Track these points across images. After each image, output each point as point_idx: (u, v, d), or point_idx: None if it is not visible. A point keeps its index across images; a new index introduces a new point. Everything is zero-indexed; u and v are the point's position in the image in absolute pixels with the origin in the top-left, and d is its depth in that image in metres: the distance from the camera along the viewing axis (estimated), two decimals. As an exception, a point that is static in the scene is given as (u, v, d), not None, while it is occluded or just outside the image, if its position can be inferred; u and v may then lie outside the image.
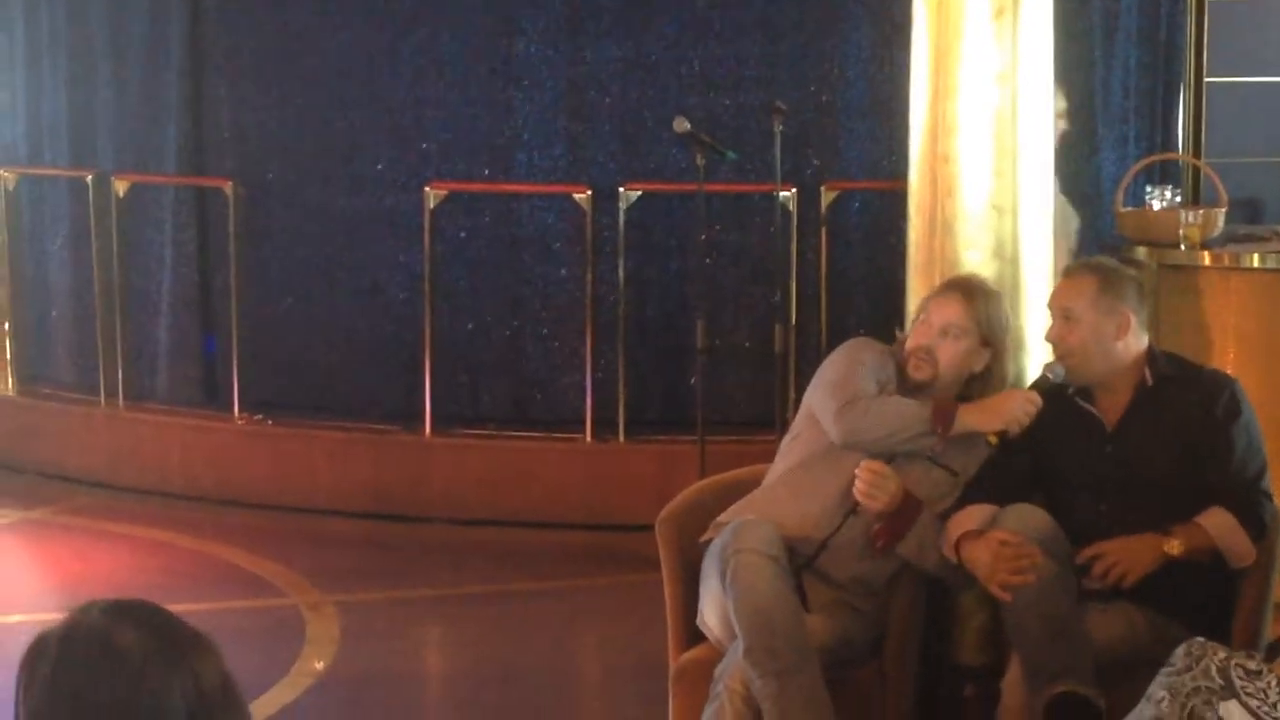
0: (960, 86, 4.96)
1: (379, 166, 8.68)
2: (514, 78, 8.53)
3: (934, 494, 4.65)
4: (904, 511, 4.57)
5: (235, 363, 8.73)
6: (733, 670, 4.42)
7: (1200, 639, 2.99)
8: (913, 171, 5.06)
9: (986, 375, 4.76)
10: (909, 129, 5.11)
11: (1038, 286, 4.98)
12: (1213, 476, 4.49)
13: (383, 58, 8.65)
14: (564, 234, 8.46)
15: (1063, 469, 4.62)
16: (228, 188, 8.75)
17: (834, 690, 4.41)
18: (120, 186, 9.01)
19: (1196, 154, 8.46)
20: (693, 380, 7.80)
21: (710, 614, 4.61)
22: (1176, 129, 8.60)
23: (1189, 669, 2.89)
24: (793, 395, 7.52)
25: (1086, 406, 4.64)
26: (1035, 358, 4.91)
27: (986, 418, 4.64)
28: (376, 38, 8.66)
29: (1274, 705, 2.82)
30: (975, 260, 4.93)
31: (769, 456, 4.95)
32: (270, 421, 8.71)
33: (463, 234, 8.55)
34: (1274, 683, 2.85)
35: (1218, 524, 4.40)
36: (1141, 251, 6.36)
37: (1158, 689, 2.90)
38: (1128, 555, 4.39)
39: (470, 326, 8.57)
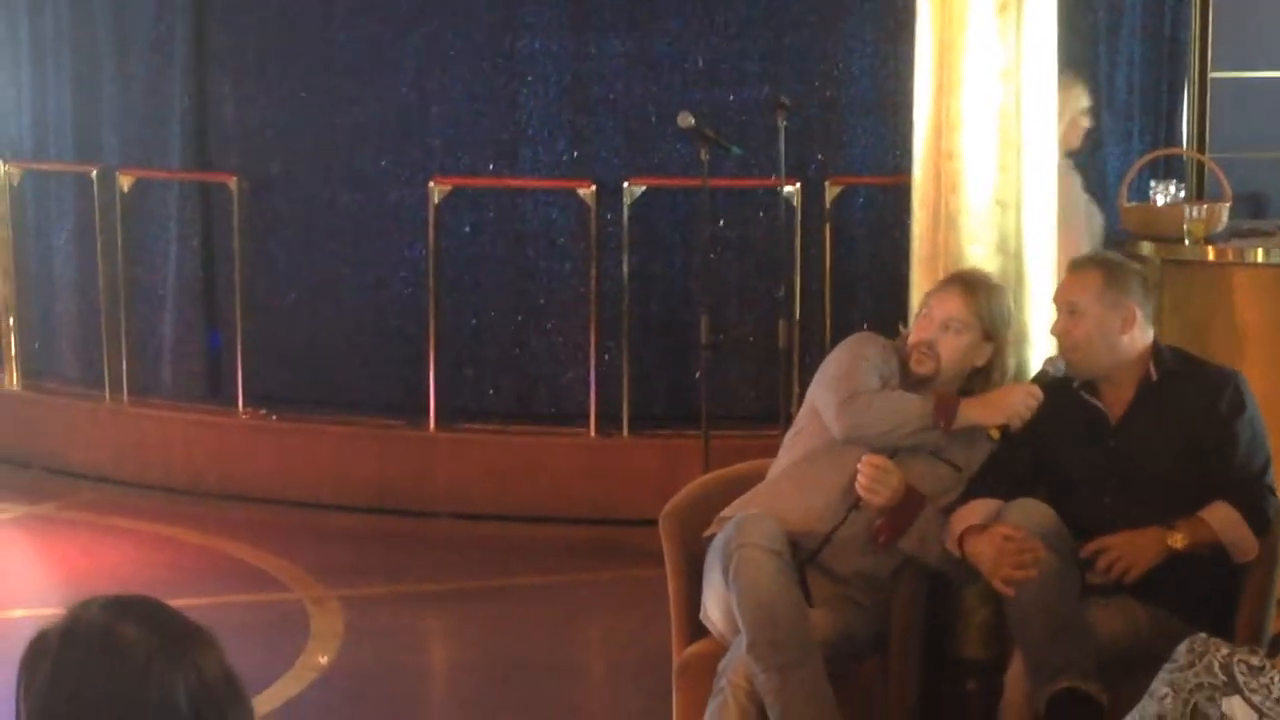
0: (964, 82, 4.95)
1: (383, 162, 8.68)
2: (518, 73, 8.53)
3: (937, 489, 4.65)
4: (906, 506, 4.57)
5: (240, 357, 8.74)
6: (736, 665, 4.43)
7: (1203, 635, 2.98)
8: (916, 167, 5.06)
9: (989, 369, 4.76)
10: (913, 124, 5.11)
11: (1041, 281, 4.97)
12: (1217, 471, 4.49)
13: (387, 53, 8.65)
14: (568, 229, 8.46)
15: (1066, 463, 4.62)
16: (232, 183, 8.75)
17: (837, 684, 4.42)
18: (125, 181, 9.01)
19: (1201, 149, 8.46)
20: (697, 375, 7.80)
21: (714, 609, 4.61)
22: (1181, 124, 8.59)
23: (1192, 665, 2.89)
24: (797, 390, 7.52)
25: (1091, 400, 4.64)
26: (1039, 352, 4.91)
27: (988, 412, 4.64)
28: (381, 33, 8.66)
29: (1277, 701, 2.82)
30: (979, 255, 4.93)
31: (773, 451, 4.95)
32: (275, 416, 8.71)
33: (467, 229, 8.55)
34: (1277, 678, 2.85)
35: (1221, 518, 4.40)
36: (1147, 247, 6.36)
37: (1160, 685, 2.90)
38: (1131, 550, 4.39)
39: (475, 321, 8.57)
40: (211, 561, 7.56)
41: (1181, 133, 8.57)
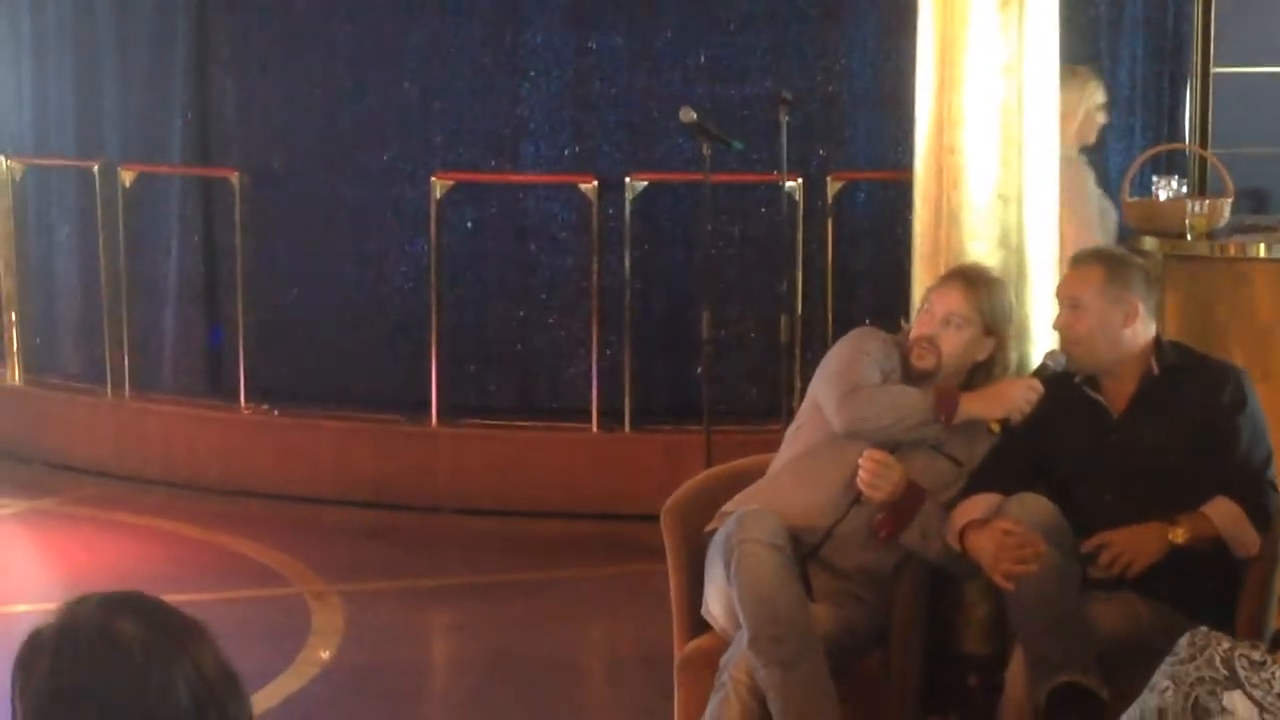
0: (966, 77, 4.95)
1: (385, 156, 8.69)
2: (520, 68, 8.53)
3: (938, 483, 4.65)
4: (907, 501, 4.57)
5: (241, 352, 8.74)
6: (738, 660, 4.43)
7: (1204, 629, 2.98)
8: (918, 162, 5.06)
9: (990, 364, 4.76)
10: (914, 120, 5.11)
11: (1043, 276, 4.97)
12: (1218, 466, 4.49)
13: (389, 48, 8.65)
14: (570, 224, 8.46)
15: (1068, 458, 4.62)
16: (234, 178, 8.76)
17: (838, 679, 4.42)
18: (126, 177, 9.01)
19: (1203, 144, 8.46)
20: (699, 370, 7.79)
21: (715, 604, 4.61)
22: (1183, 119, 8.59)
23: (1193, 659, 2.88)
24: (798, 385, 7.52)
25: (1093, 395, 4.64)
26: (1040, 347, 4.90)
27: (989, 405, 4.65)
28: (383, 27, 8.66)
29: (1278, 696, 2.82)
30: (980, 250, 4.93)
31: (774, 446, 4.95)
32: (276, 411, 8.72)
33: (469, 224, 8.56)
34: (1278, 673, 2.85)
35: (1223, 514, 4.40)
36: (1151, 243, 6.36)
37: (1161, 678, 2.90)
38: (1133, 545, 4.39)
39: (476, 316, 8.57)
40: (213, 556, 7.56)
41: (1184, 128, 8.57)
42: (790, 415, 5.09)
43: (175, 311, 9.12)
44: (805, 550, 4.59)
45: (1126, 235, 6.51)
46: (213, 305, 9.08)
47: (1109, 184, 7.80)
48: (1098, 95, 6.64)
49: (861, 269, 8.35)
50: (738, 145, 7.52)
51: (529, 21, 8.49)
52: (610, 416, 8.25)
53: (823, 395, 4.74)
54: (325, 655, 6.24)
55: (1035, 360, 4.87)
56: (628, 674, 6.26)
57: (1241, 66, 8.67)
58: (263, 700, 5.58)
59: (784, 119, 7.31)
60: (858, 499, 4.62)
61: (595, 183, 8.25)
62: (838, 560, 4.64)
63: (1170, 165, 7.75)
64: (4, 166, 9.61)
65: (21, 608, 6.65)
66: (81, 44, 9.43)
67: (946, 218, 4.97)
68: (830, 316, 8.18)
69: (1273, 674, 2.84)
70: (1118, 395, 4.63)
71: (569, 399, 8.43)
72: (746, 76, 8.36)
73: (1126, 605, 4.42)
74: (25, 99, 9.79)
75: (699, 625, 4.74)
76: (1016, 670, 4.44)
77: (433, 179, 8.36)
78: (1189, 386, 4.59)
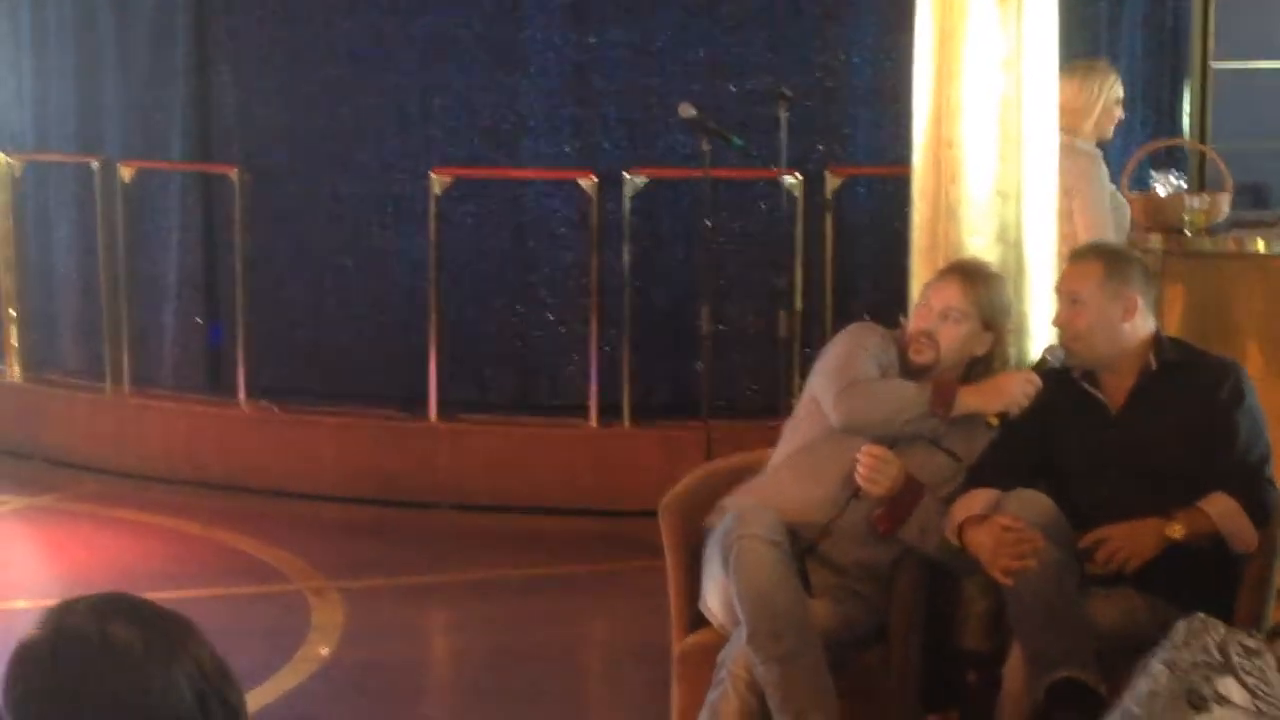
0: (964, 72, 4.94)
1: (384, 153, 8.69)
2: (520, 64, 8.53)
3: (936, 479, 4.64)
4: (906, 496, 4.57)
5: (241, 349, 8.74)
6: (736, 655, 4.42)
7: (1201, 615, 2.99)
8: (916, 157, 5.05)
9: (989, 359, 4.76)
10: (913, 114, 5.10)
11: (1041, 271, 4.97)
12: (1216, 462, 4.49)
13: (389, 44, 8.65)
14: (570, 220, 8.46)
15: (1066, 453, 4.62)
16: (233, 174, 8.76)
17: (837, 675, 4.41)
18: (126, 173, 9.01)
19: (1202, 139, 8.47)
20: (698, 366, 7.79)
21: (713, 599, 4.61)
22: (1182, 114, 8.59)
23: (1188, 644, 2.89)
24: (798, 380, 7.52)
25: (1091, 390, 4.64)
26: (1039, 342, 4.90)
27: (987, 399, 4.64)
28: (383, 24, 8.66)
29: (1271, 684, 2.82)
30: (979, 245, 4.92)
31: (774, 441, 4.95)
32: (276, 407, 8.72)
33: (469, 220, 8.56)
34: (1272, 661, 2.86)
35: (1221, 509, 4.39)
36: (1155, 239, 6.35)
37: (1156, 663, 2.91)
38: (1131, 540, 4.39)
39: (476, 312, 8.57)
40: (213, 553, 7.56)
41: (1183, 123, 8.57)
42: (789, 411, 5.08)
43: (175, 308, 9.13)
44: (804, 545, 4.59)
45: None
46: (212, 301, 9.08)
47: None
48: (1116, 89, 6.63)
49: (861, 264, 8.36)
50: (737, 141, 7.52)
51: (528, 17, 8.50)
52: (609, 412, 8.25)
53: (820, 390, 4.74)
54: (325, 652, 6.24)
55: (1034, 356, 4.87)
56: (626, 669, 6.26)
57: (1240, 61, 8.68)
58: (262, 696, 5.58)
59: (783, 114, 7.31)
60: (856, 494, 4.62)
61: (595, 179, 8.25)
62: (836, 555, 4.64)
63: (1169, 160, 7.75)
64: (4, 162, 9.61)
65: (21, 604, 6.65)
66: (82, 40, 9.44)
67: (945, 213, 4.97)
68: (830, 312, 8.18)
69: (1267, 661, 2.85)
70: (1116, 391, 4.62)
71: (568, 395, 8.43)
72: (746, 72, 8.37)
73: (1125, 601, 4.42)
74: (25, 95, 9.79)
75: (697, 620, 4.74)
76: (1015, 666, 4.44)
77: (432, 175, 8.36)
78: (1187, 382, 4.59)
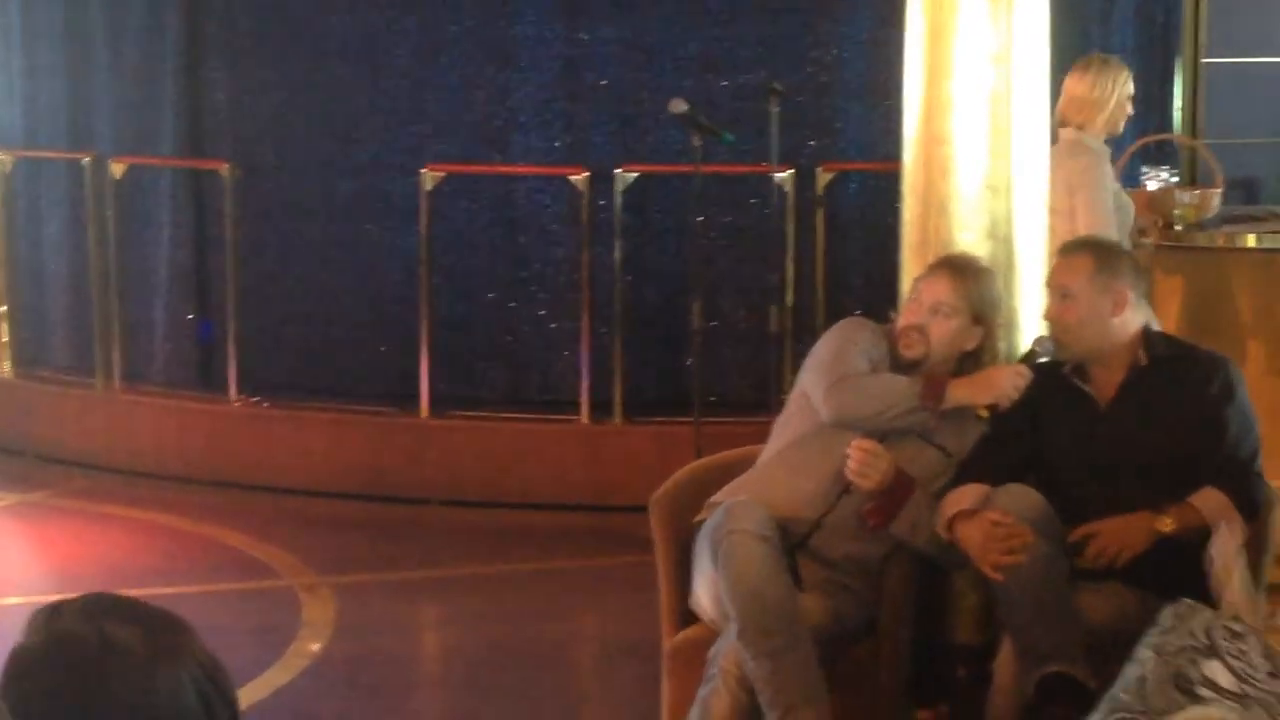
0: (955, 67, 4.94)
1: (375, 149, 8.68)
2: (511, 60, 8.53)
3: (927, 473, 4.64)
4: (896, 490, 4.57)
5: (232, 345, 8.73)
6: (727, 651, 4.42)
7: (1188, 600, 3.00)
8: (907, 152, 5.05)
9: (979, 353, 4.75)
10: (903, 110, 5.10)
11: (1031, 266, 4.97)
12: (1206, 456, 4.49)
13: (380, 40, 8.64)
14: (561, 216, 8.46)
15: (1056, 448, 4.62)
16: (224, 170, 8.74)
17: (827, 670, 4.41)
18: (117, 169, 9.00)
19: (1193, 134, 8.47)
20: (689, 361, 7.79)
21: (703, 595, 4.60)
22: (1173, 109, 8.59)
23: (1175, 628, 2.90)
24: (789, 376, 7.51)
25: (1080, 385, 4.64)
26: (1029, 337, 4.90)
27: (976, 391, 4.65)
28: (374, 20, 8.65)
29: (1255, 667, 2.83)
30: (969, 240, 4.92)
31: (765, 437, 4.95)
32: (267, 403, 8.71)
33: (460, 216, 8.55)
34: (1257, 645, 2.87)
35: (1211, 504, 4.40)
36: (1154, 234, 6.35)
37: (1144, 649, 2.93)
38: (1121, 535, 4.39)
39: (467, 308, 8.57)
40: (204, 549, 7.56)
41: (1174, 118, 8.57)
42: (781, 406, 5.08)
43: (166, 304, 9.12)
44: (794, 540, 4.59)
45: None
46: (203, 298, 9.07)
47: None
48: (1129, 85, 6.62)
49: (852, 260, 8.35)
50: (728, 137, 7.53)
51: (519, 13, 8.49)
52: (601, 408, 8.25)
53: (811, 385, 4.74)
54: (316, 647, 6.24)
55: (1022, 350, 4.87)
56: (617, 665, 6.26)
57: (1231, 57, 8.68)
58: (253, 693, 5.58)
59: (774, 110, 7.31)
60: (847, 489, 4.62)
61: (586, 174, 8.24)
62: (827, 550, 4.64)
63: (1160, 156, 7.76)
64: (-6, 159, 9.60)
65: (13, 600, 6.64)
66: (72, 36, 9.42)
67: (935, 208, 4.96)
68: (821, 307, 8.18)
69: (1250, 644, 2.86)
70: (1106, 385, 4.63)
71: (559, 390, 8.43)
72: (737, 67, 8.36)
73: (1115, 595, 4.42)
74: (15, 91, 9.78)
75: (687, 616, 4.74)
76: (1005, 660, 4.44)
77: (423, 171, 8.35)
78: (1177, 377, 4.60)
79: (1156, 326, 5.34)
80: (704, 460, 5.25)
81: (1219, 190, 6.63)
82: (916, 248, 5.01)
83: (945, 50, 4.94)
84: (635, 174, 8.24)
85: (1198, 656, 2.82)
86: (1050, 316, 4.70)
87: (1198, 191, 6.59)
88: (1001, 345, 4.83)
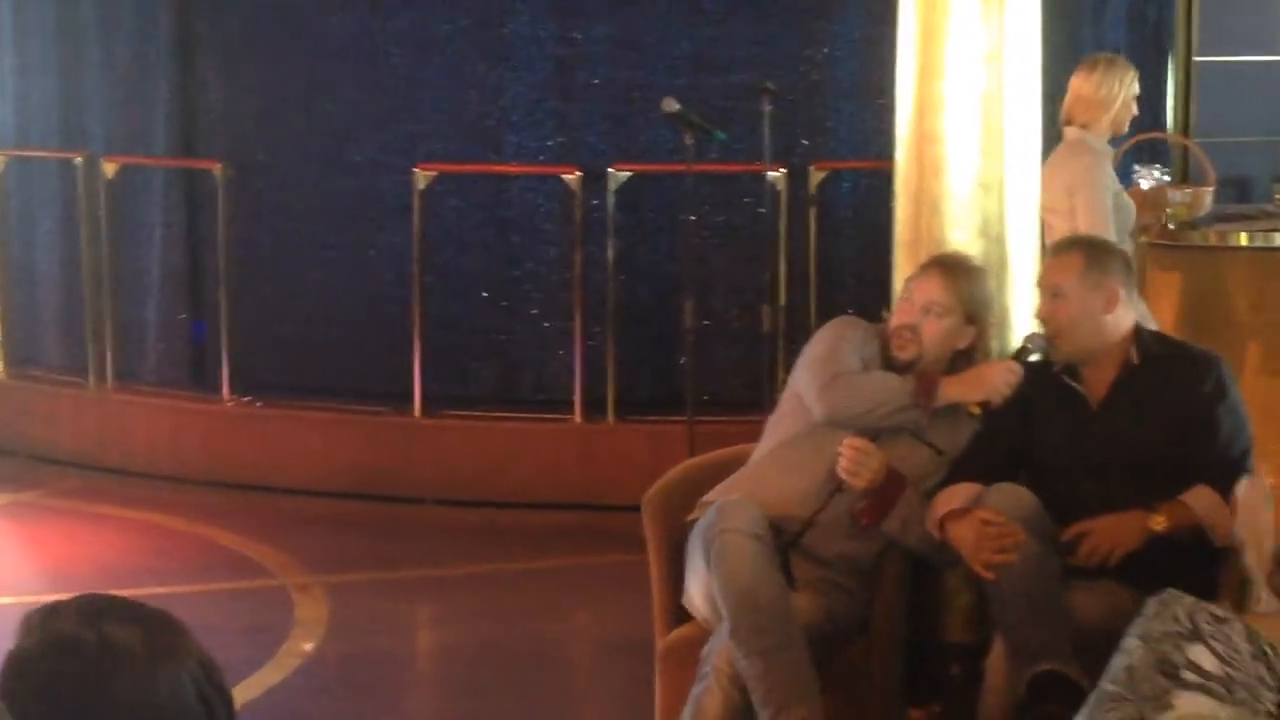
0: (947, 66, 4.94)
1: (368, 148, 8.67)
2: (503, 59, 8.52)
3: (919, 472, 4.65)
4: (888, 489, 4.57)
5: (225, 344, 8.72)
6: (720, 650, 4.43)
7: (1172, 589, 3.01)
8: (899, 151, 5.05)
9: (971, 352, 4.76)
10: (896, 108, 5.10)
11: (1024, 265, 4.97)
12: (1198, 455, 4.50)
13: (373, 39, 8.64)
14: (553, 215, 8.46)
15: (1047, 447, 4.62)
16: (217, 169, 8.74)
17: (820, 669, 4.42)
18: (109, 169, 8.99)
19: (1185, 133, 8.47)
20: (682, 360, 7.79)
21: (696, 593, 4.61)
22: (1165, 108, 8.60)
23: (1159, 616, 2.91)
24: (781, 375, 7.51)
25: (1072, 384, 4.64)
26: (1021, 335, 4.90)
27: (968, 389, 4.65)
28: (366, 19, 8.64)
29: (1239, 651, 2.84)
30: (961, 239, 4.92)
31: (758, 436, 4.95)
32: (259, 403, 8.71)
33: (453, 215, 8.55)
34: (1240, 629, 2.88)
35: (1203, 502, 4.41)
36: (1151, 232, 6.35)
37: (1130, 639, 2.93)
38: (1113, 533, 4.40)
39: (460, 307, 8.56)
40: (196, 548, 7.56)
41: (1166, 117, 8.57)
42: (774, 405, 5.08)
43: (158, 303, 9.11)
44: (787, 539, 4.59)
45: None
46: (196, 297, 9.06)
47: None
48: (1134, 85, 6.62)
49: (845, 259, 8.36)
50: (720, 136, 7.52)
51: (512, 12, 8.49)
52: (594, 407, 8.25)
53: (803, 384, 4.74)
54: (308, 647, 6.24)
55: (1014, 348, 4.87)
56: (610, 664, 6.26)
57: (1223, 55, 8.68)
58: (245, 692, 5.58)
59: (767, 109, 7.31)
60: (839, 488, 4.62)
61: (578, 173, 8.24)
62: (819, 549, 4.64)
63: (1152, 154, 7.76)
64: (-14, 159, 9.59)
65: (6, 600, 6.64)
66: (64, 35, 9.41)
67: (927, 207, 4.97)
68: (814, 306, 8.18)
69: (1233, 629, 2.87)
70: (1097, 384, 4.63)
71: (552, 390, 8.43)
72: (730, 67, 8.36)
73: (1107, 593, 4.42)
74: (7, 91, 9.76)
75: (680, 615, 4.74)
76: (997, 659, 4.45)
77: (416, 170, 8.34)
78: (1169, 375, 4.60)
79: (1152, 324, 5.36)
80: (697, 459, 5.26)
81: (1211, 189, 6.63)
82: (909, 246, 5.01)
83: (937, 49, 4.95)
84: (628, 173, 8.24)
85: (1182, 641, 2.83)
86: (1042, 316, 4.70)
87: (1190, 190, 6.59)
88: (994, 344, 4.83)
